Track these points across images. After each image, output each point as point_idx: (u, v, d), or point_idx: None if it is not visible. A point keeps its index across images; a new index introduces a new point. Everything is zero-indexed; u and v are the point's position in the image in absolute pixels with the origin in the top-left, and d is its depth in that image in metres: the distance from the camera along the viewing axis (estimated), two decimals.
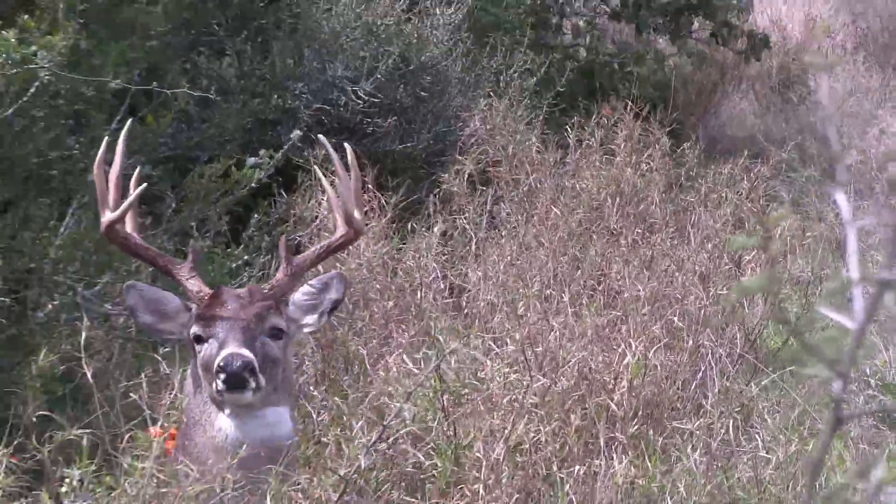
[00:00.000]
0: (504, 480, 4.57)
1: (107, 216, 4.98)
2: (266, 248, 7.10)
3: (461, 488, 4.56)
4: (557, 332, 5.94)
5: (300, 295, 4.99)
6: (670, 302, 6.81)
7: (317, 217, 7.46)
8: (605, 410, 5.24)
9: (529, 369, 5.45)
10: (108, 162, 5.07)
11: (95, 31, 6.74)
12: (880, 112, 12.12)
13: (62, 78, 5.75)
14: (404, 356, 5.74)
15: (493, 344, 5.84)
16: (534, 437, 4.85)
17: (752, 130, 12.57)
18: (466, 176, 8.42)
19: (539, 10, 11.59)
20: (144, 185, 5.12)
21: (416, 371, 5.30)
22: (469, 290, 7.12)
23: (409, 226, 7.97)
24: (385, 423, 4.41)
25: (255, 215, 7.34)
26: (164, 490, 4.13)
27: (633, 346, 5.81)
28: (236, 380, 4.47)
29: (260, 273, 6.77)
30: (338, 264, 6.34)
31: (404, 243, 7.57)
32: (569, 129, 9.48)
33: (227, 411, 4.63)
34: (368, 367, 5.88)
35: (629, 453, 4.94)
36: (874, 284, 1.84)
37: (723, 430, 5.57)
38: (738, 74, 13.76)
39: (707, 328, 6.68)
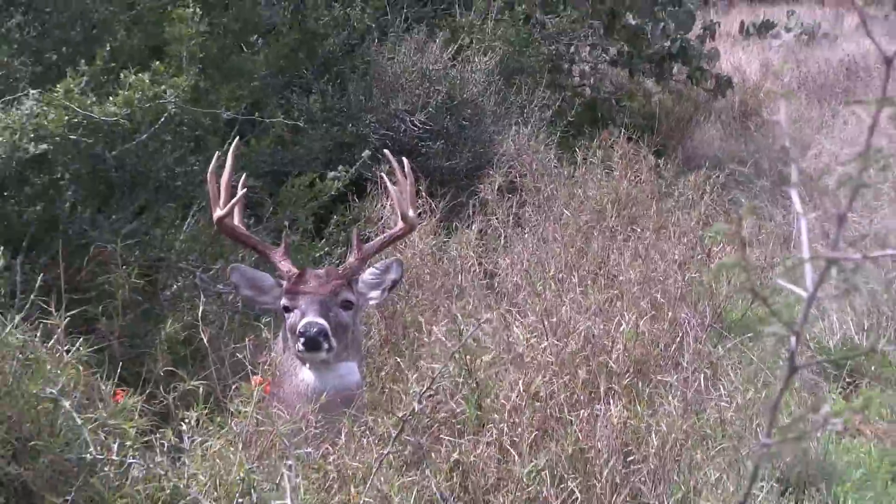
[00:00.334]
0: (525, 421, 4.53)
1: (217, 212, 5.08)
2: (342, 241, 7.14)
3: (489, 427, 4.52)
4: (568, 307, 5.91)
5: (367, 275, 5.07)
6: (655, 283, 6.77)
7: (381, 217, 7.46)
8: (604, 367, 5.20)
9: (546, 335, 5.42)
10: (217, 174, 5.09)
11: (211, 74, 6.76)
12: (818, 137, 12.04)
13: (185, 110, 5.75)
14: (449, 324, 5.73)
15: (517, 315, 5.81)
16: (550, 387, 4.81)
17: (718, 151, 12.54)
18: (498, 186, 8.38)
19: (554, 58, 11.55)
20: (245, 189, 5.17)
21: (446, 338, 5.27)
22: (499, 274, 7.09)
23: (453, 224, 7.93)
24: (433, 376, 4.37)
25: (334, 216, 7.39)
26: (261, 429, 4.10)
27: (627, 317, 5.79)
28: (313, 343, 4.59)
29: (337, 261, 6.76)
30: (398, 253, 6.30)
31: (449, 238, 7.55)
32: (577, 150, 9.43)
33: (308, 366, 4.73)
34: (421, 333, 5.85)
35: (623, 400, 4.89)
36: (821, 263, 1.85)
37: (696, 383, 5.56)
38: (708, 108, 13.71)
39: (684, 303, 6.66)
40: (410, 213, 5.24)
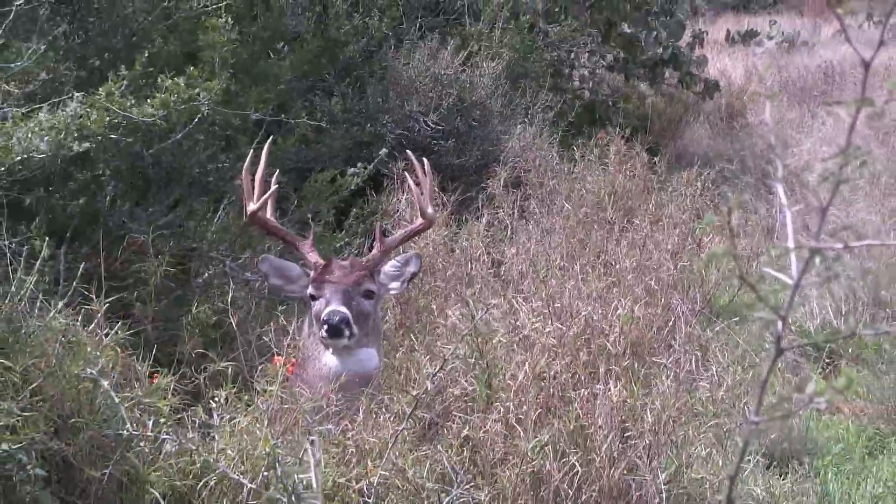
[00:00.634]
0: (530, 399, 4.47)
1: (250, 206, 5.03)
2: (361, 233, 7.13)
3: (497, 405, 4.46)
4: (569, 293, 5.84)
5: (389, 267, 5.01)
6: (649, 271, 6.72)
7: (397, 211, 7.42)
8: (603, 349, 5.13)
9: (549, 319, 5.35)
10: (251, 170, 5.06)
11: (241, 78, 6.74)
12: (798, 136, 11.96)
13: (217, 112, 5.71)
14: (459, 309, 5.69)
15: (523, 301, 5.74)
16: (553, 368, 4.75)
17: (706, 149, 12.50)
18: (504, 181, 8.33)
19: (556, 64, 11.53)
20: (277, 185, 5.13)
21: (459, 322, 5.23)
22: (505, 263, 7.02)
23: (463, 217, 7.89)
24: (445, 357, 4.30)
25: (354, 210, 7.41)
26: (286, 406, 4.05)
27: (623, 303, 5.72)
28: (335, 330, 4.55)
29: (357, 251, 6.75)
30: (412, 244, 6.25)
31: (460, 229, 7.48)
32: (576, 148, 9.39)
33: (331, 351, 4.68)
34: (434, 317, 5.80)
35: (621, 380, 4.82)
36: (804, 252, 1.85)
37: (687, 364, 5.50)
38: (697, 109, 13.72)
39: (676, 290, 6.61)
40: (430, 209, 5.20)
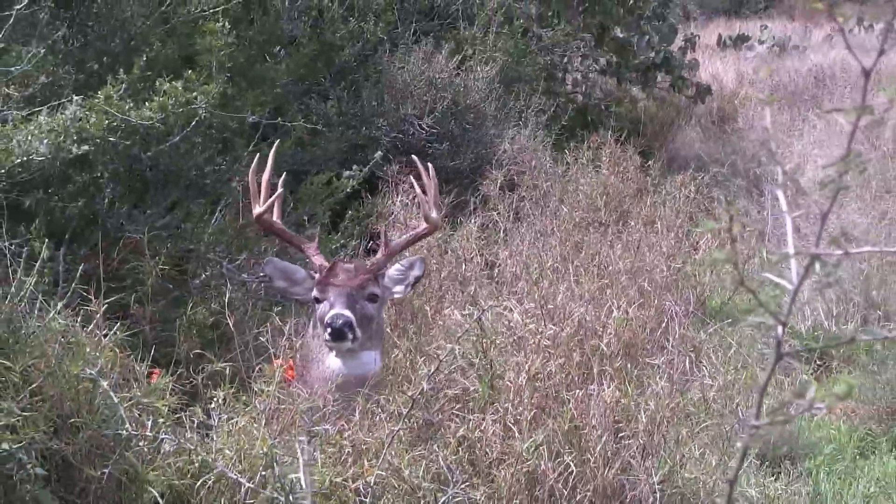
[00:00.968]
0: (525, 400, 4.48)
1: (257, 209, 5.04)
2: (357, 235, 7.14)
3: (494, 405, 4.47)
4: (563, 295, 5.86)
5: (393, 271, 5.02)
6: (642, 273, 6.73)
7: (392, 213, 7.42)
8: (597, 350, 5.14)
9: (543, 320, 5.36)
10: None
11: (238, 82, 6.75)
12: (789, 139, 11.98)
13: (214, 115, 5.69)
14: (454, 310, 5.70)
15: (517, 302, 5.74)
16: (547, 369, 4.75)
17: (698, 152, 12.50)
18: (498, 184, 8.33)
19: (549, 68, 11.55)
20: (282, 189, 5.15)
21: (463, 322, 5.25)
22: (499, 265, 7.02)
23: (458, 219, 7.89)
24: (440, 359, 4.31)
25: (349, 212, 7.41)
26: (282, 406, 4.06)
27: (617, 304, 5.74)
28: (339, 333, 4.55)
29: (352, 253, 6.78)
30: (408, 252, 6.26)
31: (454, 231, 7.49)
32: (569, 151, 9.41)
33: (335, 353, 4.68)
34: (427, 318, 5.81)
35: (614, 381, 4.83)
36: (804, 256, 1.84)
37: (680, 365, 5.53)
38: (688, 113, 13.72)
39: (669, 291, 6.62)
40: (434, 214, 5.19)
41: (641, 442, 4.42)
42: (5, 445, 3.44)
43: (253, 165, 5.11)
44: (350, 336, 4.57)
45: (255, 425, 3.85)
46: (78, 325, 3.99)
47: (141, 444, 3.83)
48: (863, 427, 6.11)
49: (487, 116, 9.30)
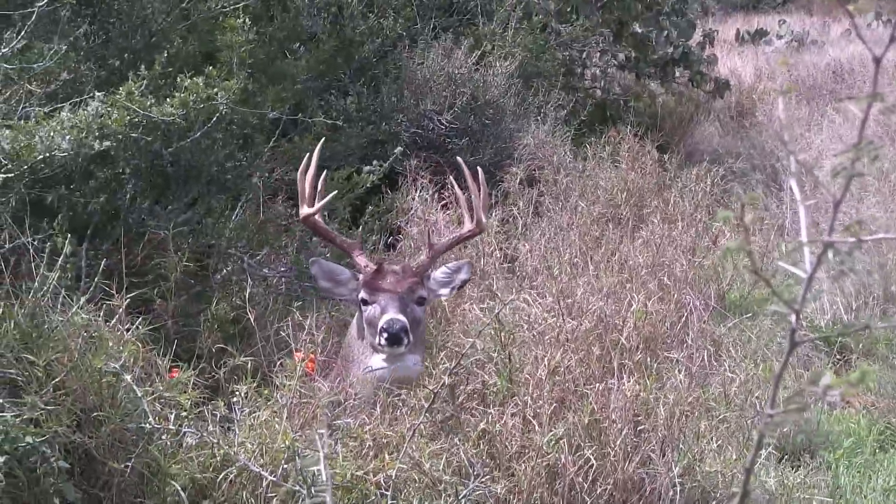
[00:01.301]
0: (545, 394, 4.46)
1: (305, 210, 5.05)
2: (377, 229, 7.13)
3: (514, 399, 4.46)
4: (583, 289, 5.84)
5: (439, 273, 5.01)
6: (662, 267, 6.70)
7: (411, 208, 7.40)
8: (617, 344, 5.12)
9: (563, 315, 5.34)
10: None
11: (258, 77, 6.74)
12: (807, 133, 11.91)
13: (235, 111, 5.70)
14: (473, 305, 5.69)
15: (536, 297, 5.72)
16: (567, 363, 4.73)
17: (716, 146, 12.46)
18: (518, 179, 8.31)
19: (568, 63, 11.52)
20: (335, 192, 5.25)
21: (482, 316, 5.24)
22: (519, 259, 7.00)
23: None
24: (462, 352, 4.29)
25: (369, 206, 7.40)
26: (304, 401, 4.05)
27: (637, 298, 5.70)
28: (395, 338, 4.54)
29: (372, 247, 6.77)
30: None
31: None
32: (588, 146, 9.40)
33: (383, 357, 4.66)
34: (449, 313, 5.79)
35: (634, 375, 4.81)
36: (818, 245, 1.83)
37: (700, 359, 5.51)
38: (707, 108, 13.67)
39: (688, 285, 6.59)
40: (483, 216, 5.17)
41: (661, 435, 4.40)
42: (29, 439, 3.45)
43: (302, 165, 5.11)
44: (405, 341, 4.56)
45: (277, 419, 3.85)
46: (101, 319, 4.01)
47: (163, 437, 3.84)
48: (882, 420, 6.07)
49: (507, 112, 9.27)
